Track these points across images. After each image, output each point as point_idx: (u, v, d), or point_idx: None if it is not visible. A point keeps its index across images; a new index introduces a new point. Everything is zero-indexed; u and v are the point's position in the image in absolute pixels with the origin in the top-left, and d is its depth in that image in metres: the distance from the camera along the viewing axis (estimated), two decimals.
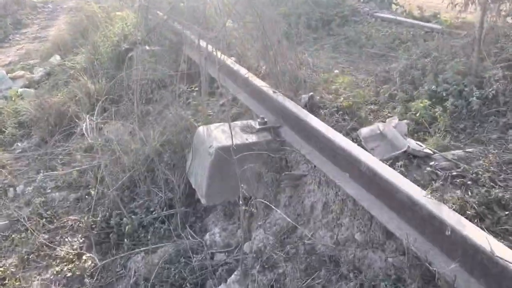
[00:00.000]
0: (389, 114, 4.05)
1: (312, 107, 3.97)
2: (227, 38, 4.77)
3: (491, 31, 4.76)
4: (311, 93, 4.07)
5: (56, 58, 8.25)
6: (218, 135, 3.58)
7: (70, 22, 9.42)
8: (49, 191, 4.64)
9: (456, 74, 4.27)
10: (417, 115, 3.83)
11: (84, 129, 4.36)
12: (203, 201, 3.54)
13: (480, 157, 3.24)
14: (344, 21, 7.44)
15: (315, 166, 3.19)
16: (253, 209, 3.52)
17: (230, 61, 4.57)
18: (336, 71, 4.67)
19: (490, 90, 3.93)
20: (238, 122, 3.85)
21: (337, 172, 2.98)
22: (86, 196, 4.41)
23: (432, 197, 2.34)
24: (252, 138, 3.55)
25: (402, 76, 4.56)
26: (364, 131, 3.42)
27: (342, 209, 2.93)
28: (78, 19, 8.87)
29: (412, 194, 2.37)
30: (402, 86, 4.43)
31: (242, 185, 3.45)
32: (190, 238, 3.65)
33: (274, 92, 3.81)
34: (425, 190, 2.65)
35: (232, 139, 3.10)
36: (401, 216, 2.44)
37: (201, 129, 3.73)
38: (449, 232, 2.09)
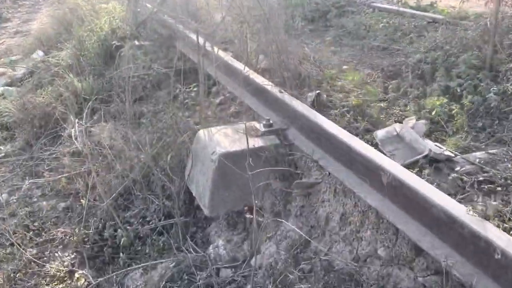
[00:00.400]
0: (400, 112, 3.81)
1: (319, 106, 3.70)
2: (225, 32, 4.46)
3: (501, 22, 4.52)
4: (318, 91, 3.80)
5: (38, 54, 7.83)
6: (220, 139, 3.29)
7: (53, 15, 8.97)
8: (35, 200, 4.31)
9: (469, 68, 4.03)
10: (433, 113, 3.58)
11: (72, 134, 4.02)
12: (205, 211, 3.26)
13: (505, 159, 3.01)
14: (340, 11, 7.15)
15: (329, 173, 2.91)
16: (262, 219, 3.27)
17: (228, 58, 4.26)
18: (345, 66, 4.39)
19: (508, 85, 3.69)
20: (241, 124, 3.56)
21: (355, 180, 2.72)
22: (77, 205, 4.09)
23: (474, 214, 2.08)
24: (258, 143, 3.26)
25: (412, 70, 4.30)
26: (380, 133, 3.16)
27: (362, 221, 2.66)
28: (61, 13, 8.43)
29: (449, 209, 2.11)
30: (412, 82, 4.19)
31: (246, 193, 3.19)
32: (192, 251, 3.36)
33: (280, 91, 3.52)
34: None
35: (247, 143, 2.80)
36: (436, 233, 2.19)
37: (202, 132, 3.44)
38: (499, 255, 1.84)
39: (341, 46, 5.71)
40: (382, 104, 3.89)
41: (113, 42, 5.18)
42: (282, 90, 3.58)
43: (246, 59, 4.38)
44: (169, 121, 3.63)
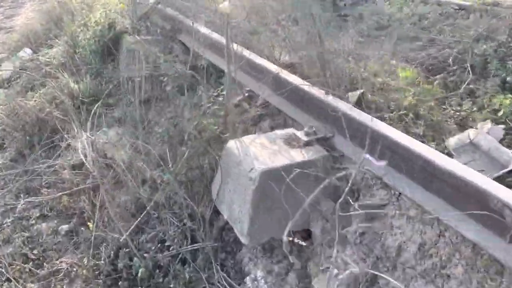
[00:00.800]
0: (456, 113, 3.30)
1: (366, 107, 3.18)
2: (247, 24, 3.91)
3: None
4: (362, 90, 3.28)
5: (26, 52, 7.19)
6: (257, 152, 2.75)
7: (40, 9, 8.30)
8: (33, 222, 3.74)
9: None
10: (499, 113, 3.09)
11: (80, 146, 3.44)
12: (244, 240, 2.72)
13: None
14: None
15: (399, 193, 2.40)
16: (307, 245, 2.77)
17: (253, 55, 3.72)
18: (393, 61, 3.85)
19: None
20: (278, 132, 3.03)
21: (439, 203, 2.21)
22: (82, 229, 3.54)
23: None
24: (302, 155, 2.73)
25: (459, 64, 3.81)
26: (453, 141, 2.65)
27: (450, 254, 2.16)
28: (50, 6, 7.78)
29: None
30: (461, 76, 3.69)
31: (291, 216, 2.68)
32: (226, 285, 2.84)
33: (327, 93, 2.99)
34: None
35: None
36: None
37: (233, 144, 2.89)
38: None
39: (365, 37, 5.18)
40: (432, 103, 3.38)
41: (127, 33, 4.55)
42: (328, 91, 3.04)
43: (272, 54, 3.84)
44: (194, 132, 3.07)
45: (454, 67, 3.80)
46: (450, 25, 5.00)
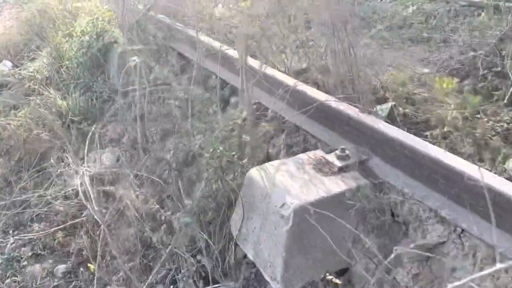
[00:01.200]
0: (496, 124, 2.97)
1: (398, 123, 2.84)
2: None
3: None
4: (392, 102, 2.94)
5: (6, 65, 6.71)
6: (287, 183, 2.38)
7: (19, 18, 7.80)
8: (25, 262, 3.32)
9: None
10: None
11: (77, 180, 3.04)
12: (276, 287, 2.35)
13: None
14: None
15: (462, 230, 2.06)
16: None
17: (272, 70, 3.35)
18: (426, 70, 3.51)
19: None
20: (304, 157, 2.65)
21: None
22: (82, 269, 3.14)
23: None
24: (338, 185, 2.37)
25: (487, 67, 3.49)
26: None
27: None
28: (29, 15, 7.29)
29: None
30: (493, 81, 3.38)
31: (329, 256, 2.34)
32: None
33: (363, 111, 2.64)
34: None
35: None
36: None
37: (256, 173, 2.51)
38: None
39: (372, 39, 4.85)
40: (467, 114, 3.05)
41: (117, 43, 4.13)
42: (358, 106, 2.69)
43: (280, 60, 3.48)
44: (211, 161, 2.69)
45: (484, 71, 3.47)
46: (464, 24, 4.72)
